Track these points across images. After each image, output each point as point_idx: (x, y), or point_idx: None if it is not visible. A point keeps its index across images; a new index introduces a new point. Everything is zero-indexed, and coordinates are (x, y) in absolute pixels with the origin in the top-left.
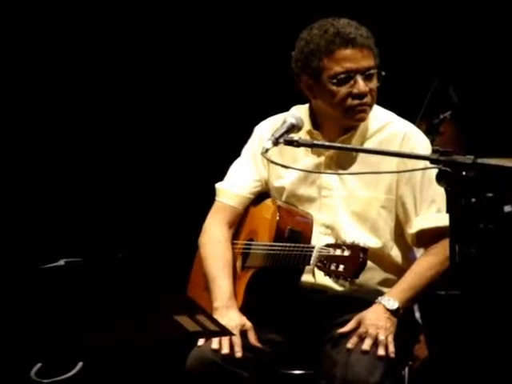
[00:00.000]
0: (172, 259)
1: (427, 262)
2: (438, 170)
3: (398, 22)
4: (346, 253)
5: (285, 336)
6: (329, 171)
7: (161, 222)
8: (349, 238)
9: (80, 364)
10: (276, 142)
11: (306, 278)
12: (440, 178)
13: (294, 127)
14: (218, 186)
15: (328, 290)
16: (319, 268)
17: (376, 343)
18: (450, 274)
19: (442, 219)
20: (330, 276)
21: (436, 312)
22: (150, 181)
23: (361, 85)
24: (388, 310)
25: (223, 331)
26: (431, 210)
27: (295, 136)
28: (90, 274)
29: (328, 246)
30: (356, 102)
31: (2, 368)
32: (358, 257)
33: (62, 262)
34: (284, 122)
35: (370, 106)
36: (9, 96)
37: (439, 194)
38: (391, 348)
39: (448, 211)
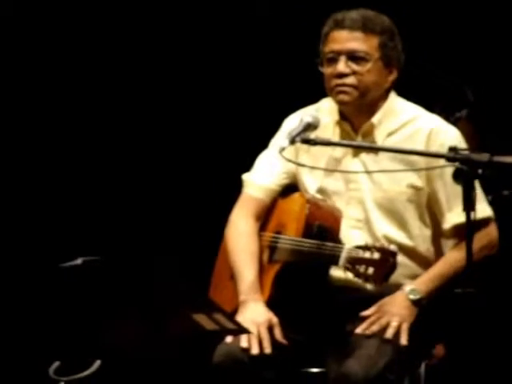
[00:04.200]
0: (198, 252)
1: (458, 254)
2: (455, 169)
3: (412, 21)
4: (376, 256)
5: (308, 333)
6: (355, 163)
7: (187, 214)
8: (379, 232)
9: (98, 362)
10: (293, 141)
11: (337, 273)
12: (456, 176)
13: (311, 126)
14: (245, 177)
15: (358, 287)
16: (347, 269)
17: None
18: (466, 272)
19: (480, 212)
20: (358, 278)
21: (453, 310)
22: (177, 172)
23: (339, 65)
24: (409, 299)
25: (241, 329)
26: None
27: (312, 134)
28: (108, 272)
29: (357, 247)
30: (336, 81)
31: (20, 366)
32: (387, 261)
33: (79, 261)
34: (301, 120)
35: (356, 89)
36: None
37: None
38: (404, 336)
39: (464, 209)
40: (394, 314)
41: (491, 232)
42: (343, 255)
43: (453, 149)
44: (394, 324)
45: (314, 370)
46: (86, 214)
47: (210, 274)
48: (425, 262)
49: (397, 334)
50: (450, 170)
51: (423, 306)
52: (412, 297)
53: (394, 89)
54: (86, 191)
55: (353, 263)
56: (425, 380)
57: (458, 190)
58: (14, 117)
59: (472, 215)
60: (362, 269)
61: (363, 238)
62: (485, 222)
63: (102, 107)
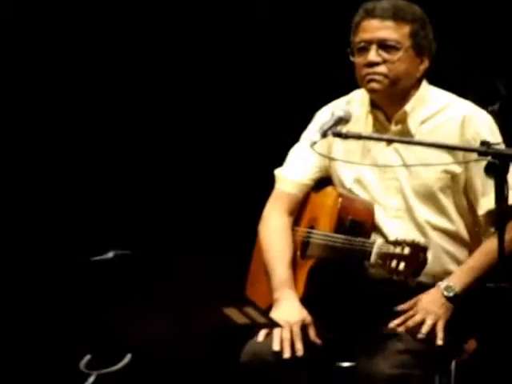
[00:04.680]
0: (232, 248)
1: (491, 245)
2: (487, 162)
3: (444, 11)
4: (406, 251)
5: (341, 328)
6: (389, 152)
7: (220, 210)
8: (421, 218)
9: (129, 356)
10: (324, 135)
11: (371, 268)
12: (488, 170)
13: (342, 120)
14: (277, 172)
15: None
16: (379, 265)
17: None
18: (499, 266)
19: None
20: (390, 273)
21: (485, 305)
22: (210, 167)
23: (370, 54)
24: (445, 296)
25: (272, 323)
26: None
27: (343, 128)
28: (139, 266)
29: (388, 242)
30: (367, 70)
31: (51, 360)
32: (418, 256)
33: (110, 255)
34: (332, 114)
35: (387, 77)
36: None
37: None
38: (440, 335)
39: (496, 203)
40: (429, 312)
41: None
42: (374, 251)
43: (484, 143)
44: (429, 322)
45: (345, 364)
46: (119, 208)
47: (247, 270)
48: (468, 247)
49: (430, 332)
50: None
51: (459, 303)
52: (447, 294)
53: (427, 79)
54: (119, 185)
55: (384, 259)
56: (455, 376)
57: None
58: (28, 111)
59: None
60: (393, 264)
61: (405, 227)
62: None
63: (120, 97)
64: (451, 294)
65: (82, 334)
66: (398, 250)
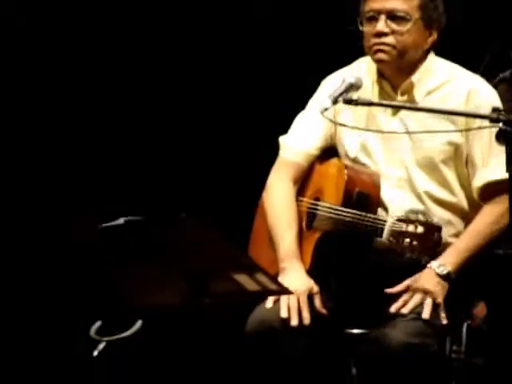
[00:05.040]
0: (235, 215)
1: (482, 222)
2: (498, 129)
3: None
4: (420, 230)
5: (350, 298)
6: (394, 122)
7: (223, 176)
8: (420, 189)
9: (139, 322)
10: (335, 101)
11: (379, 240)
12: (499, 137)
13: (353, 87)
14: (282, 140)
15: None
16: (391, 242)
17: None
18: (508, 233)
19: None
20: (402, 251)
21: (494, 271)
22: (213, 134)
23: (379, 24)
24: (439, 275)
25: (283, 290)
26: (498, 163)
27: (356, 94)
28: (150, 232)
29: (400, 220)
30: (374, 40)
31: (62, 326)
32: (432, 235)
33: (121, 221)
34: (343, 81)
35: (395, 48)
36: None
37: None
38: (442, 314)
39: (507, 170)
40: (426, 291)
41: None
42: (387, 228)
43: (496, 109)
44: (429, 302)
45: (355, 331)
46: (131, 173)
47: (247, 238)
48: (469, 219)
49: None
50: (488, 129)
51: (453, 280)
52: (441, 272)
53: (437, 48)
54: (130, 152)
55: (396, 237)
56: (466, 341)
57: (494, 148)
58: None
59: (500, 175)
60: (406, 242)
61: (405, 197)
62: (505, 184)
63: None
64: (444, 272)
65: (92, 300)
66: (411, 228)
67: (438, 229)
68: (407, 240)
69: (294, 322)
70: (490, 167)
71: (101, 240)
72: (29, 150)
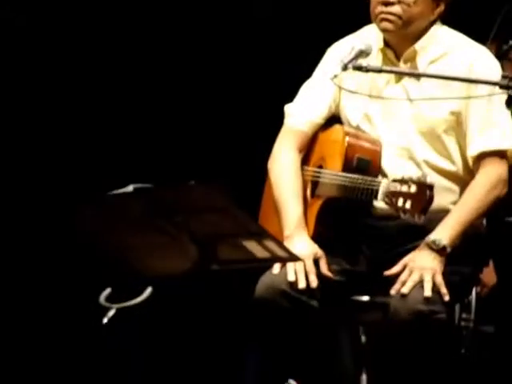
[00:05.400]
0: (242, 184)
1: (475, 194)
2: (508, 96)
3: None
4: (413, 189)
5: (354, 263)
6: (397, 90)
7: (229, 144)
8: (419, 157)
9: (149, 289)
10: (345, 68)
11: (380, 204)
12: (509, 104)
13: (363, 53)
14: (287, 108)
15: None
16: (386, 203)
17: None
18: None
19: (505, 142)
20: (397, 211)
21: (505, 238)
22: (220, 103)
23: None
24: (434, 250)
25: (292, 257)
26: (494, 133)
27: (363, 62)
28: (159, 200)
29: (395, 181)
30: (381, 9)
31: (71, 293)
32: (424, 194)
33: (130, 188)
34: (352, 48)
35: (400, 18)
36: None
37: (505, 119)
38: (443, 290)
39: None
40: (423, 268)
41: (502, 167)
42: (381, 189)
43: (505, 76)
44: (428, 279)
45: (363, 298)
46: (137, 141)
47: (256, 206)
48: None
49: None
50: (487, 99)
51: (449, 254)
52: (436, 247)
53: (445, 15)
54: (139, 120)
55: (391, 197)
56: (475, 309)
57: (491, 119)
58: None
59: (494, 145)
60: (400, 202)
61: (404, 165)
62: (499, 155)
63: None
64: (440, 247)
65: (102, 267)
66: (404, 188)
67: (430, 187)
68: (401, 200)
69: (302, 284)
70: (485, 137)
71: (111, 209)
72: (29, 131)
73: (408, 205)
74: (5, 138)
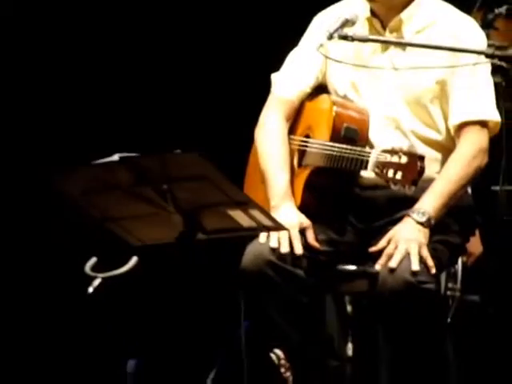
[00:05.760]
0: (227, 152)
1: (456, 165)
2: (493, 65)
3: None
4: (404, 160)
5: (341, 233)
6: (383, 60)
7: (215, 113)
8: (407, 127)
9: (135, 259)
10: (330, 37)
11: (367, 174)
12: (495, 73)
13: (349, 22)
14: (274, 77)
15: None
16: (376, 174)
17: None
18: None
19: (487, 113)
20: (387, 182)
21: (491, 207)
22: (205, 71)
23: None
24: (418, 222)
25: (278, 226)
26: (476, 103)
27: (349, 31)
28: (145, 168)
29: (384, 151)
30: None
31: (56, 263)
32: (415, 165)
33: (116, 157)
34: (338, 17)
35: None
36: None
37: (488, 90)
38: (429, 262)
39: (505, 103)
40: (409, 240)
41: (483, 137)
42: (372, 160)
43: (491, 45)
44: (415, 252)
45: (350, 267)
46: (123, 110)
47: (242, 176)
48: None
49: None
50: (469, 69)
51: (436, 224)
52: (420, 219)
53: None
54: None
55: (381, 168)
56: (462, 278)
57: (475, 89)
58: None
59: (476, 115)
60: (390, 173)
61: (391, 135)
62: (480, 124)
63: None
64: (424, 219)
65: (87, 236)
66: (395, 158)
67: (421, 158)
68: (391, 170)
69: (284, 249)
70: (467, 107)
71: (97, 178)
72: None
73: (399, 176)
74: None
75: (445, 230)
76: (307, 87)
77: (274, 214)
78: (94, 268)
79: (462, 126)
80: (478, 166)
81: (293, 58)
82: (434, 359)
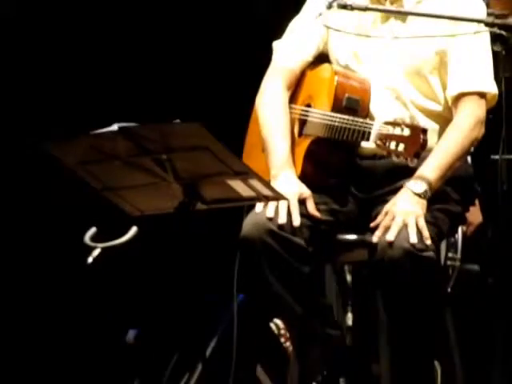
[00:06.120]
0: (228, 122)
1: (453, 137)
2: (493, 34)
3: None
4: (406, 132)
5: (341, 203)
6: (384, 30)
7: (215, 82)
8: (406, 98)
9: (134, 229)
10: (329, 6)
11: (367, 144)
12: (495, 41)
13: None
14: (275, 45)
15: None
16: (378, 146)
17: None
18: (505, 139)
19: (485, 85)
20: (389, 154)
21: (491, 177)
22: (206, 39)
23: None
24: (415, 193)
25: (277, 196)
26: (475, 74)
27: (350, 0)
28: (144, 138)
29: (387, 123)
30: None
31: (55, 233)
32: (418, 137)
33: (115, 127)
34: None
35: None
36: None
37: (487, 61)
38: (425, 233)
39: (504, 72)
40: (406, 212)
41: (480, 109)
42: (374, 131)
43: (491, 14)
44: (412, 223)
45: (350, 236)
46: (122, 80)
47: (241, 145)
48: None
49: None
50: (468, 39)
51: (436, 193)
52: (417, 191)
53: None
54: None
55: (383, 140)
56: (462, 248)
57: (474, 60)
58: None
59: (474, 86)
60: (392, 145)
61: (391, 105)
62: (478, 95)
63: None
64: (422, 190)
65: (86, 206)
66: (397, 131)
67: (424, 131)
68: (393, 143)
69: (281, 219)
70: (465, 78)
71: (96, 148)
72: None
73: (401, 148)
74: None
75: (445, 199)
76: (309, 56)
77: (273, 183)
78: (94, 238)
79: (459, 97)
80: (475, 138)
81: (294, 27)
82: (434, 328)
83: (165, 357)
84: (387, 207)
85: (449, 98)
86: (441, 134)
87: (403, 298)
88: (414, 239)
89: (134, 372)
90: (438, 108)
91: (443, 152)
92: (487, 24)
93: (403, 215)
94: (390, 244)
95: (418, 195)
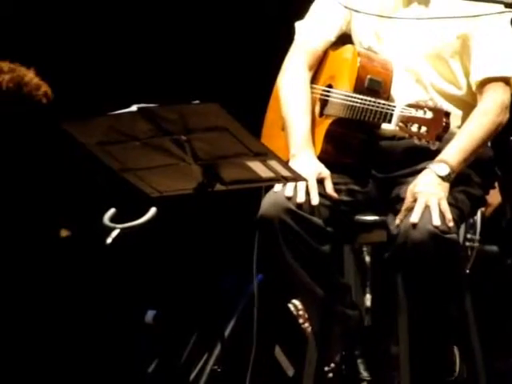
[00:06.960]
0: (247, 99)
1: (478, 121)
2: None
3: None
4: (429, 115)
5: (361, 183)
6: (406, 12)
7: (237, 61)
8: (427, 80)
9: (153, 209)
10: None
11: (389, 126)
12: None
13: None
14: (298, 25)
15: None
16: (400, 128)
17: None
18: None
19: (509, 70)
20: (411, 137)
21: (509, 158)
22: (227, 19)
23: None
24: (439, 176)
25: (296, 176)
26: (499, 59)
27: None
28: (163, 119)
29: (409, 106)
30: None
31: (75, 214)
32: (441, 121)
33: (134, 108)
34: None
35: None
36: None
37: (509, 44)
38: (448, 215)
39: None
40: (429, 194)
41: (505, 94)
42: (396, 114)
43: None
44: (434, 206)
45: (369, 217)
46: (141, 60)
47: (261, 122)
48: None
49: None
50: (491, 24)
51: (457, 176)
52: (441, 173)
53: None
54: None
55: (406, 122)
56: (481, 229)
57: (498, 45)
58: None
59: (499, 71)
60: (414, 128)
61: (411, 88)
62: (503, 81)
63: None
64: (445, 173)
65: (106, 187)
66: (419, 113)
67: (447, 114)
68: (416, 125)
69: (300, 199)
70: (490, 63)
71: (115, 128)
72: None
73: (423, 131)
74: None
75: (467, 182)
76: (331, 36)
77: (292, 163)
78: (113, 219)
79: (484, 83)
80: (500, 123)
81: (317, 7)
82: (454, 310)
83: (184, 337)
84: (410, 189)
85: (473, 83)
86: (462, 118)
87: (425, 280)
88: (437, 221)
89: (153, 352)
90: (459, 92)
91: (468, 136)
92: (507, 5)
93: (425, 197)
94: (414, 226)
95: (442, 178)
